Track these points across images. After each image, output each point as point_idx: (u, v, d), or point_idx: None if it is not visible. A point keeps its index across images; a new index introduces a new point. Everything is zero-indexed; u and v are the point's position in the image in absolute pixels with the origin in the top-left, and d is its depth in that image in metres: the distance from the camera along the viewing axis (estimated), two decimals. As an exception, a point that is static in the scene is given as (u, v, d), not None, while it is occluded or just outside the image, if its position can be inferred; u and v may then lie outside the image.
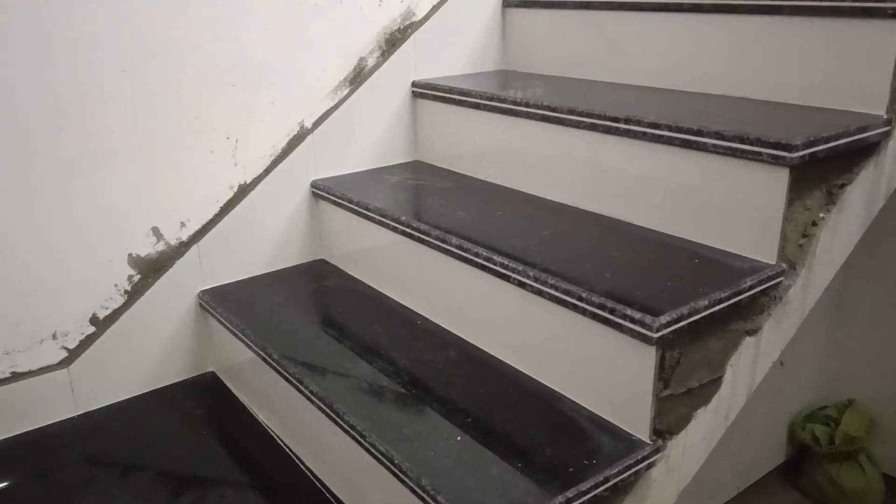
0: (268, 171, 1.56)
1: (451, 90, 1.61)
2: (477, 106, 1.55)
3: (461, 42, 1.78)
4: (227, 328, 1.42)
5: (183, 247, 1.48)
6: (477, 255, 1.20)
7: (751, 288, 1.05)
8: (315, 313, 1.44)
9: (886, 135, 1.19)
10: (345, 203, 1.52)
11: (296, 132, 1.58)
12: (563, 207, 1.40)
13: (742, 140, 1.09)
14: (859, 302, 2.81)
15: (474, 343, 1.27)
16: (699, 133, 1.14)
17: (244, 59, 1.47)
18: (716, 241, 1.17)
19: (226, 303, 1.47)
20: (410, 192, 1.55)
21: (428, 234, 1.30)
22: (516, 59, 1.83)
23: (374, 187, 1.57)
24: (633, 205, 1.29)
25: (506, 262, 1.15)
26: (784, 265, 1.11)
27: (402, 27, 1.67)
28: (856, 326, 2.89)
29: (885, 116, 1.18)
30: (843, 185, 1.18)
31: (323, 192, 1.59)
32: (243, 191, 1.53)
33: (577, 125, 1.34)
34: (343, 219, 1.56)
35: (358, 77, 1.63)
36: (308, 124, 1.59)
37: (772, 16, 1.29)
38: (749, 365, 1.15)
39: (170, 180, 1.44)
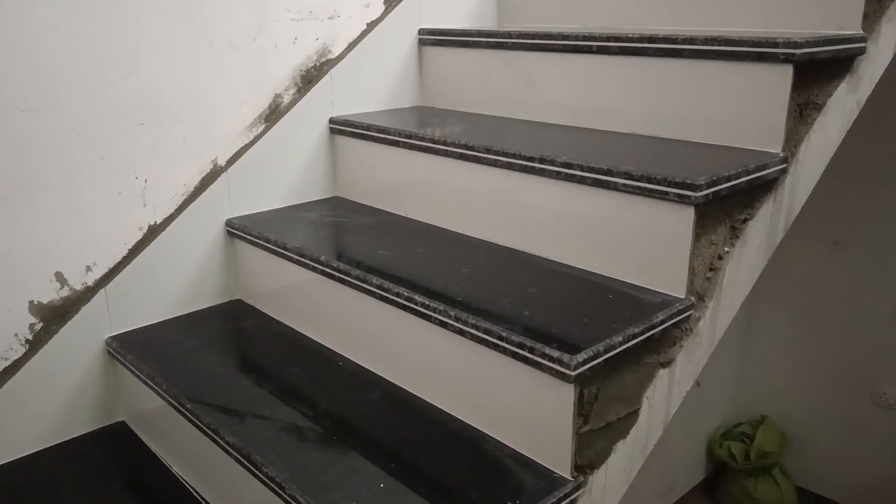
0: (179, 210, 1.51)
1: (369, 127, 1.61)
2: (395, 143, 1.55)
3: (378, 79, 1.78)
4: (137, 376, 1.36)
5: (89, 292, 1.41)
6: (398, 295, 1.20)
7: (662, 322, 1.09)
8: (232, 357, 1.40)
9: (783, 171, 1.26)
10: (262, 242, 1.49)
11: (209, 170, 1.54)
12: (482, 243, 1.41)
13: (650, 180, 1.13)
14: (766, 322, 2.95)
15: (397, 383, 1.26)
16: (609, 173, 1.18)
17: (155, 95, 1.43)
18: (628, 275, 1.21)
19: (136, 349, 1.41)
20: (330, 229, 1.53)
21: (348, 274, 1.29)
22: (434, 95, 1.85)
23: (292, 225, 1.54)
24: (550, 241, 1.31)
25: (427, 302, 1.15)
26: (693, 298, 1.15)
27: (318, 64, 1.66)
28: (764, 346, 3.02)
29: (782, 154, 1.25)
30: (745, 220, 1.23)
31: (238, 231, 1.55)
32: (153, 231, 1.48)
33: (494, 164, 1.35)
34: (260, 258, 1.53)
35: (274, 114, 1.61)
36: (222, 162, 1.55)
37: (674, 58, 1.35)
38: (664, 395, 1.18)
39: (74, 223, 1.37)
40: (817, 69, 1.28)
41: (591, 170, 1.20)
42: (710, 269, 1.19)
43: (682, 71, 1.35)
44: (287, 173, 1.67)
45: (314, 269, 1.37)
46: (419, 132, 1.50)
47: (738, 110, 1.29)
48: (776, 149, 1.26)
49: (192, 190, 1.52)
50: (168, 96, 1.45)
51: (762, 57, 1.24)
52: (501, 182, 1.36)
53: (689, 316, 1.15)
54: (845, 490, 3.01)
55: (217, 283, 1.60)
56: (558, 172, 1.25)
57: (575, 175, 1.23)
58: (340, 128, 1.69)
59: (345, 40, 1.70)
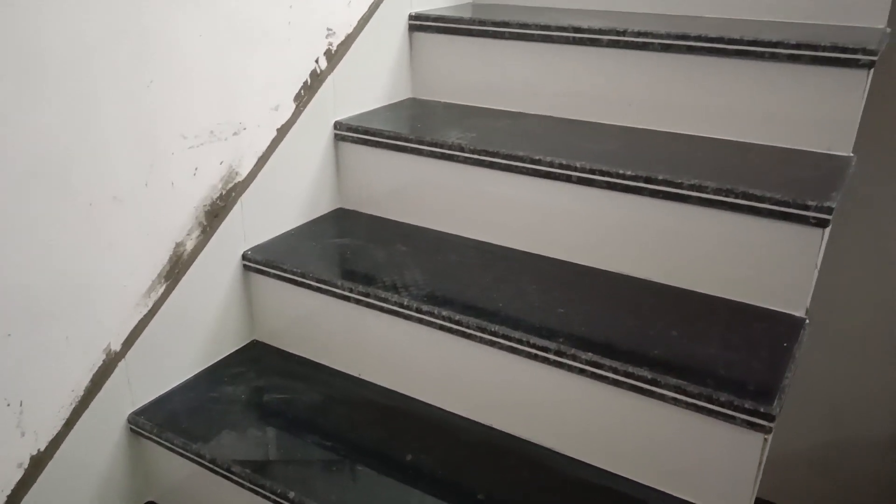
0: (69, 424, 1.13)
1: (304, 275, 1.30)
2: (345, 298, 1.27)
3: (294, 192, 1.46)
4: None
5: (-42, 578, 1.02)
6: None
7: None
8: None
9: (807, 336, 1.16)
10: (181, 451, 1.16)
11: (102, 362, 1.17)
12: (484, 434, 1.19)
13: (710, 399, 0.96)
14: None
15: None
16: (654, 383, 1.00)
17: (18, 293, 1.03)
18: (676, 488, 1.05)
19: None
20: (265, 422, 1.22)
21: (332, 520, 1.02)
22: (357, 198, 1.55)
23: (213, 416, 1.22)
24: (570, 437, 1.12)
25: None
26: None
27: (224, 192, 1.31)
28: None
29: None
30: (777, 398, 1.12)
31: (145, 431, 1.20)
32: (38, 464, 1.10)
33: (492, 344, 1.13)
34: (177, 464, 1.20)
35: (176, 268, 1.25)
36: (117, 346, 1.18)
37: (680, 203, 1.18)
38: None
39: (-74, 499, 0.97)
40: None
41: (629, 374, 1.02)
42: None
43: (690, 217, 1.19)
44: (197, 333, 1.32)
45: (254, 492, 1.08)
46: (379, 292, 1.22)
47: (761, 269, 1.16)
48: (800, 311, 1.15)
49: (83, 393, 1.15)
50: (38, 290, 1.05)
51: (787, 216, 1.11)
52: (504, 366, 1.14)
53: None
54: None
55: (122, 489, 1.24)
56: (582, 370, 1.05)
57: (607, 377, 1.04)
58: (259, 267, 1.36)
59: (254, 155, 1.35)
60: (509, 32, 1.53)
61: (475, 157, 1.36)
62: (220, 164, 1.29)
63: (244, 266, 1.38)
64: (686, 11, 1.59)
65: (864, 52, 1.21)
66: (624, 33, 1.40)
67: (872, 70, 1.23)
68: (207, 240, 1.29)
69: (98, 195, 1.10)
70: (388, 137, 1.45)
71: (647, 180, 1.20)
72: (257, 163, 1.36)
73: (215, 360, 1.37)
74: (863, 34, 1.38)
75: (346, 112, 1.54)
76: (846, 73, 1.24)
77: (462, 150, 1.37)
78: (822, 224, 1.08)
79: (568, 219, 1.31)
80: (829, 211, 1.07)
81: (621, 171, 1.22)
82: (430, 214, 1.46)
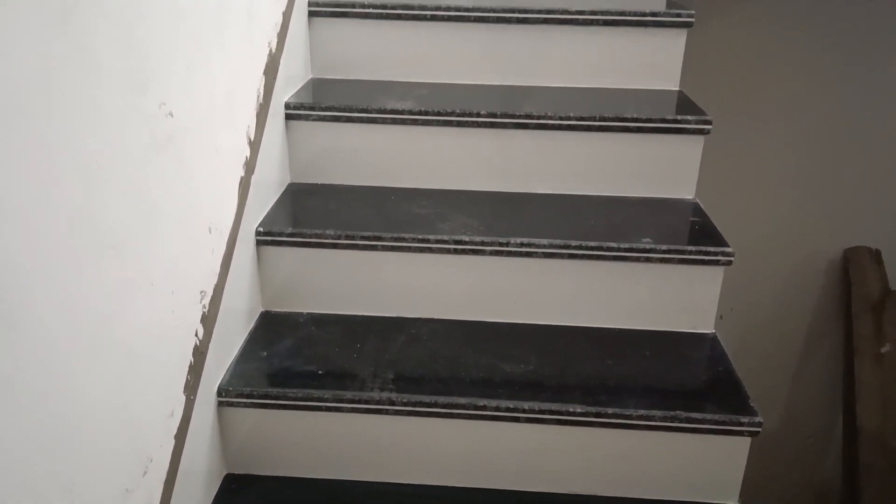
0: None
1: None
2: None
3: (193, 483, 1.21)
4: None
5: None
6: None
7: None
8: None
9: None
10: None
11: None
12: None
13: None
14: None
15: None
16: None
17: None
18: None
19: None
20: None
21: None
22: (248, 463, 1.35)
23: None
24: None
25: None
26: None
27: (143, 550, 1.03)
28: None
29: (742, 507, 1.32)
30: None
31: None
32: None
33: None
34: None
35: None
36: None
37: (628, 430, 1.27)
38: None
39: None
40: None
41: None
42: None
43: (636, 437, 1.28)
44: None
45: None
46: None
47: (697, 469, 1.30)
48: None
49: None
50: None
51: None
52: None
53: None
54: None
55: None
56: None
57: None
58: None
59: (159, 482, 1.09)
60: (363, 244, 1.45)
61: (409, 408, 1.28)
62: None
63: None
64: (516, 81, 1.76)
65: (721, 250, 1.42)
66: (507, 244, 1.43)
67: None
68: None
69: None
70: (296, 399, 1.28)
71: (598, 415, 1.26)
72: (164, 490, 1.10)
73: None
74: (660, 96, 1.69)
75: (221, 369, 1.32)
76: (707, 269, 1.44)
77: (392, 403, 1.27)
78: (753, 434, 1.25)
79: (517, 455, 1.31)
80: (760, 425, 1.24)
81: (571, 409, 1.26)
82: (353, 467, 1.34)
